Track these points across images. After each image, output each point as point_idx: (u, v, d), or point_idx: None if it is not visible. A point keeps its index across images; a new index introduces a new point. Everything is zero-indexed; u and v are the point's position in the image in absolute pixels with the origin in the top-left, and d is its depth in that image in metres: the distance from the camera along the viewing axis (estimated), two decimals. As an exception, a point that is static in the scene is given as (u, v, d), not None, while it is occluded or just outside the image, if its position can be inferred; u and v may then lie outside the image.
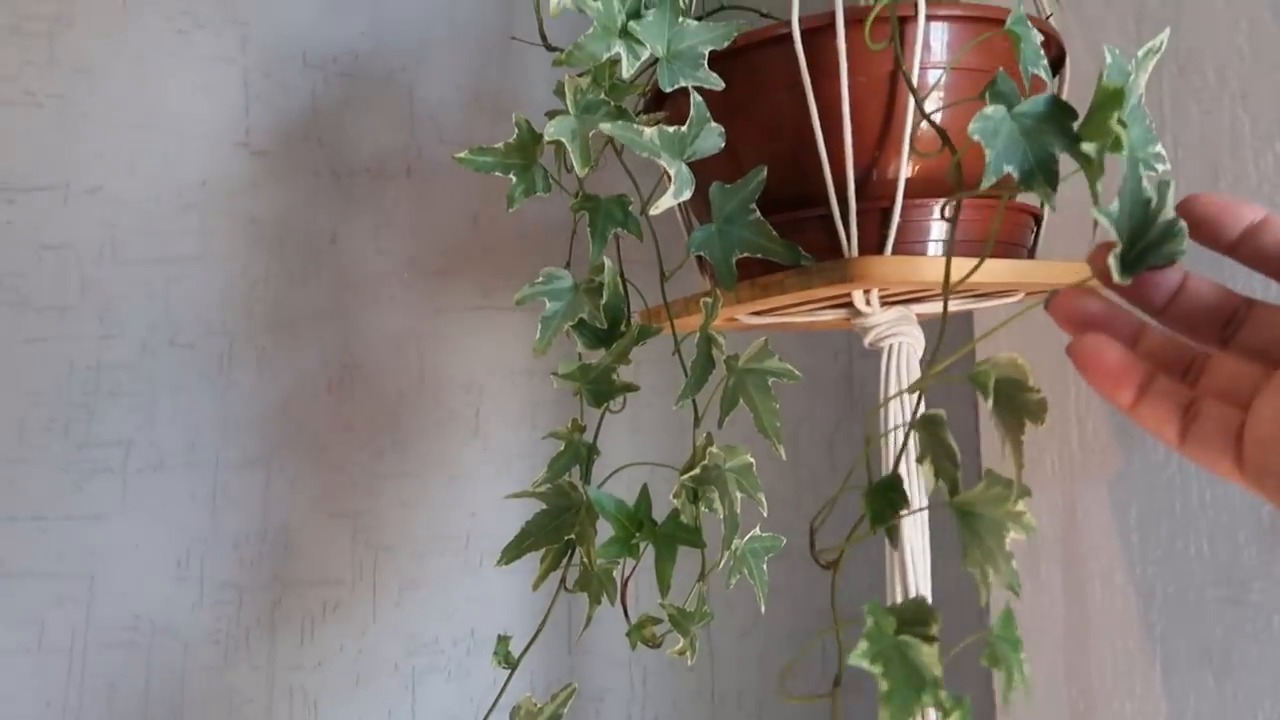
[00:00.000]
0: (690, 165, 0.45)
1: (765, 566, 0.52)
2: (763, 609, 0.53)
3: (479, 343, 0.83)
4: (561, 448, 0.54)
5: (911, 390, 0.42)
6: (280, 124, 0.80)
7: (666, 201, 0.44)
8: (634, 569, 0.52)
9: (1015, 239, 0.50)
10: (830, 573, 0.43)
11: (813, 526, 0.44)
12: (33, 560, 0.72)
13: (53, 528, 0.73)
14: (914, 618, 0.36)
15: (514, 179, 0.51)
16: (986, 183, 0.38)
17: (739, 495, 0.49)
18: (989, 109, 0.38)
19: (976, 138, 0.38)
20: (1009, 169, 0.38)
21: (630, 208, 0.49)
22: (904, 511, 0.38)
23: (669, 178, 0.44)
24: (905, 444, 0.46)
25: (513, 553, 0.53)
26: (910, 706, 0.33)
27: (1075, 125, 0.39)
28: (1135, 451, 0.74)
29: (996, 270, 0.45)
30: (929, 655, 0.34)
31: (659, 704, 0.85)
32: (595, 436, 0.54)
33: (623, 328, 0.49)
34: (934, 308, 0.52)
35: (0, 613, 0.71)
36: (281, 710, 0.76)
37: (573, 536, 0.52)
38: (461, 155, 0.50)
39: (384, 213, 0.82)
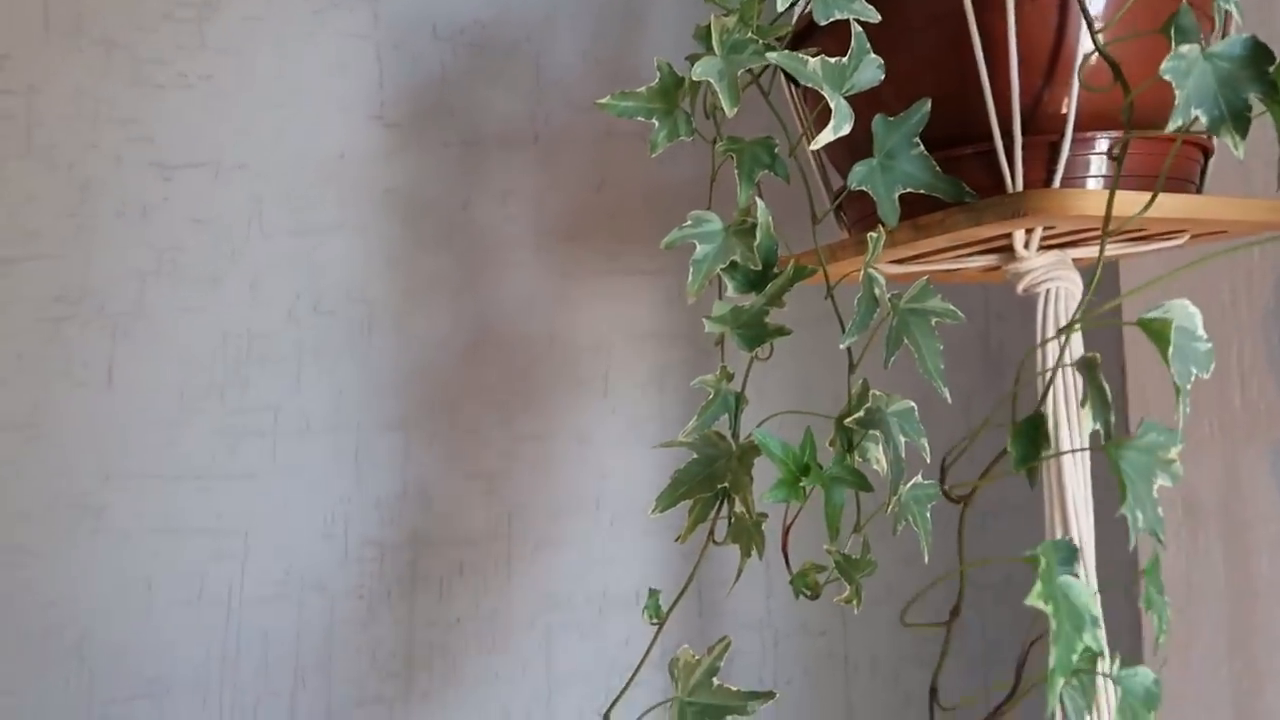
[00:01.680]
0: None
1: (929, 514, 0.51)
2: (926, 558, 0.52)
3: (606, 306, 0.83)
4: (710, 396, 0.53)
5: (1071, 330, 0.40)
6: (412, 96, 0.82)
7: (827, 136, 0.43)
8: (796, 515, 0.51)
9: (1185, 174, 0.47)
10: (961, 507, 0.41)
11: (944, 463, 0.42)
12: (194, 518, 0.77)
13: (212, 487, 0.77)
14: (1067, 560, 0.34)
15: (656, 124, 0.51)
16: (1172, 125, 0.36)
17: (902, 439, 0.48)
18: (1184, 48, 0.36)
19: (1167, 77, 0.36)
20: (1198, 113, 0.36)
21: (776, 150, 0.49)
22: (1047, 453, 0.37)
23: (826, 112, 0.43)
24: (1049, 385, 0.44)
25: (666, 501, 0.52)
26: (1074, 645, 0.32)
27: (1272, 69, 0.36)
28: (1308, 410, 0.69)
29: (1170, 205, 0.42)
30: (1089, 596, 0.33)
31: (790, 668, 0.84)
32: (744, 384, 0.53)
33: (775, 270, 0.48)
34: (1090, 252, 0.50)
35: (164, 566, 0.76)
36: (421, 663, 0.79)
37: (725, 485, 0.51)
38: (605, 100, 0.50)
39: (512, 180, 0.83)
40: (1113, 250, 0.51)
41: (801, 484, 0.47)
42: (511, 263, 0.82)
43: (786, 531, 0.52)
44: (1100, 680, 0.34)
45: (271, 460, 0.78)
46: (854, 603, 0.52)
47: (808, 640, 0.84)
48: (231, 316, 0.78)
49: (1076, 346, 0.41)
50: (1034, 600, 0.33)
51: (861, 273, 0.46)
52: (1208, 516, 0.78)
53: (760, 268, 0.49)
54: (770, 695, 0.51)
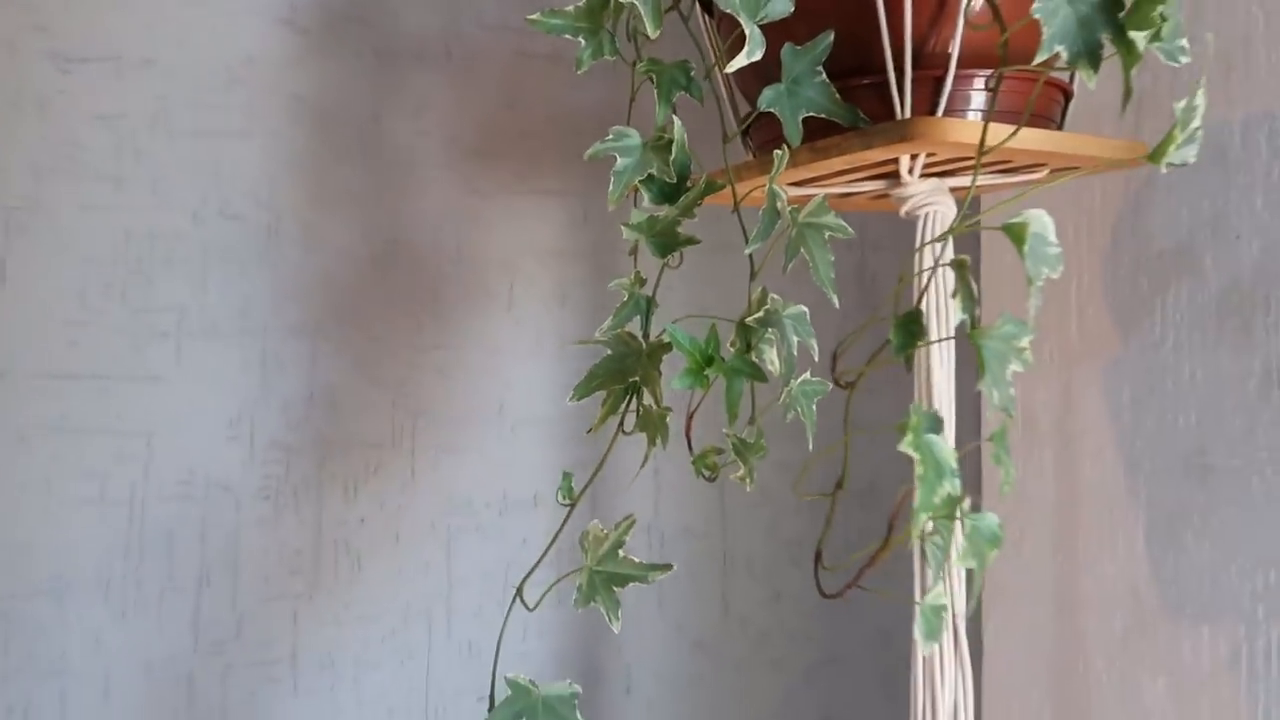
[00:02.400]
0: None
1: (814, 407, 0.57)
2: (810, 445, 0.58)
3: (514, 225, 0.86)
4: (625, 299, 0.58)
5: (948, 236, 0.47)
6: (323, 2, 0.82)
7: (741, 60, 0.48)
8: (699, 404, 0.57)
9: (1048, 113, 0.55)
10: (848, 393, 0.48)
11: (835, 352, 0.49)
12: (95, 418, 0.77)
13: (113, 388, 0.77)
14: (933, 426, 0.42)
15: (583, 41, 0.54)
16: (1039, 58, 0.43)
17: (795, 339, 0.54)
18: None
19: (1038, 16, 0.42)
20: (1059, 49, 0.43)
21: (692, 73, 0.53)
22: (922, 341, 0.44)
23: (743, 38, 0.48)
24: (927, 285, 0.51)
25: (582, 390, 0.57)
26: (936, 488, 0.39)
27: (1121, 15, 0.43)
28: (1131, 336, 0.79)
29: (1033, 138, 0.50)
30: (949, 452, 0.40)
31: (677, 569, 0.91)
32: (655, 289, 0.58)
33: (688, 184, 0.53)
34: (964, 181, 0.57)
35: (65, 466, 0.76)
36: (328, 562, 0.82)
37: (636, 379, 0.57)
38: (534, 17, 0.54)
39: (424, 95, 0.84)
40: (983, 180, 0.58)
41: (706, 373, 0.52)
42: (421, 177, 0.84)
43: (690, 418, 0.58)
44: (956, 523, 0.41)
45: (176, 362, 0.78)
46: (747, 481, 0.58)
47: (691, 542, 0.91)
48: (134, 217, 0.78)
49: (949, 255, 0.47)
50: (905, 447, 0.40)
51: (766, 189, 0.51)
52: (1043, 432, 0.88)
53: (675, 181, 0.54)
54: (668, 567, 0.58)
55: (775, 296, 0.54)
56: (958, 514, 0.41)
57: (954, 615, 0.58)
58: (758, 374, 0.54)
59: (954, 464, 0.41)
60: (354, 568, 0.82)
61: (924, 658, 0.59)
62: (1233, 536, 0.72)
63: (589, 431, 0.60)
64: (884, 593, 0.52)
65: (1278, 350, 0.69)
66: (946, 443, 0.41)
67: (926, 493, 0.39)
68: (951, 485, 0.40)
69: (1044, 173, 0.59)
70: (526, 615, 0.87)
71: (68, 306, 0.76)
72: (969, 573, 0.51)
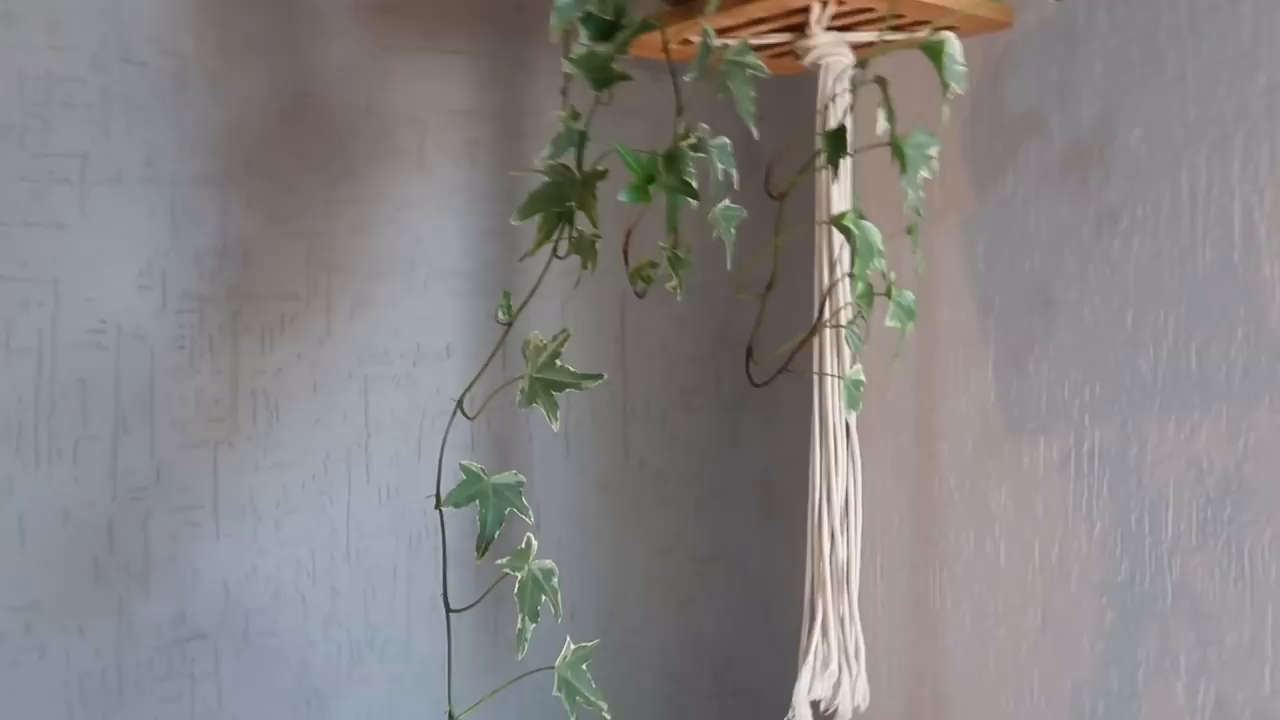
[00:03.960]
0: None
1: (734, 231, 0.64)
2: (729, 263, 0.65)
3: (423, 82, 0.88)
4: (561, 130, 0.62)
5: (872, 56, 0.54)
6: None
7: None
8: (637, 220, 0.62)
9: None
10: (779, 203, 0.55)
11: (769, 165, 0.55)
12: (-6, 264, 0.75)
13: (14, 234, 0.76)
14: (860, 215, 0.49)
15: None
16: None
17: (720, 167, 0.60)
18: None
19: None
20: None
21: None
22: (848, 151, 0.51)
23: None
24: (850, 106, 0.58)
25: (525, 211, 0.61)
26: (869, 261, 0.47)
27: None
28: (987, 193, 0.90)
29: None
30: (877, 234, 0.48)
31: (580, 413, 0.97)
32: (588, 124, 0.63)
33: (623, 22, 0.58)
34: (862, 37, 0.64)
35: (-36, 313, 0.74)
36: (245, 410, 0.84)
37: (571, 204, 0.61)
38: None
39: (329, -54, 0.84)
40: (870, 36, 0.66)
41: (649, 188, 0.58)
42: (331, 30, 0.85)
43: (628, 235, 0.64)
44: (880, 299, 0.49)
45: (80, 210, 0.77)
46: (678, 290, 0.65)
47: (596, 392, 0.98)
48: (28, 58, 0.75)
49: (845, 101, 0.54)
50: (847, 223, 0.48)
51: (700, 28, 0.57)
52: (905, 284, 0.99)
53: (612, 18, 0.58)
54: (599, 376, 0.64)
55: (704, 125, 0.60)
56: (886, 287, 0.48)
57: (846, 421, 0.67)
58: (691, 191, 0.60)
59: (880, 245, 0.49)
60: (272, 416, 0.85)
61: (820, 457, 0.68)
62: (1066, 359, 0.84)
63: (528, 254, 0.65)
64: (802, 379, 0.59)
65: (1109, 200, 0.81)
66: (874, 228, 0.49)
67: (861, 264, 0.47)
68: (880, 262, 0.48)
69: (927, 30, 0.67)
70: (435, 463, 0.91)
71: (-39, 148, 0.74)
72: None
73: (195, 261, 0.81)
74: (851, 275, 0.50)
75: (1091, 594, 0.82)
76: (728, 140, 0.61)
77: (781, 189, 0.56)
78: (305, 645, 0.87)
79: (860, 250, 0.47)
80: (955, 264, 0.93)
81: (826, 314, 0.54)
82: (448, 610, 0.61)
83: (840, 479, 0.67)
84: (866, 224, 0.48)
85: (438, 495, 0.62)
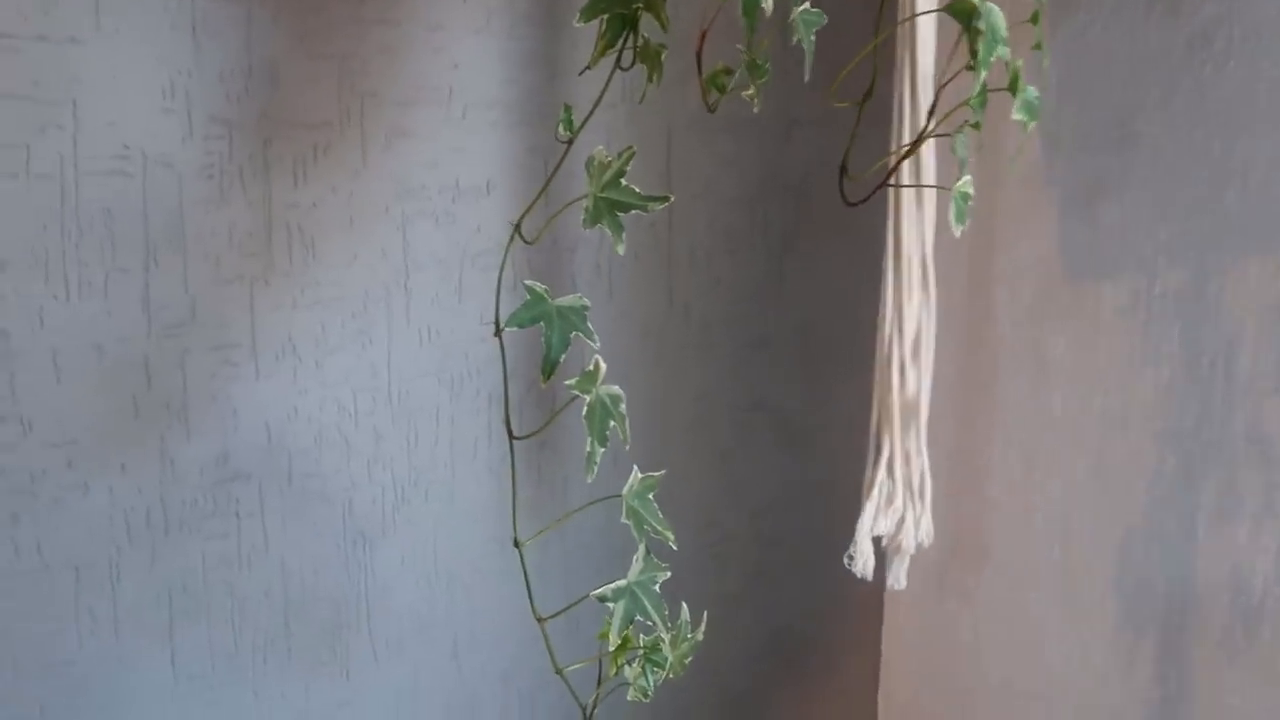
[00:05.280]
0: None
1: (813, 38, 0.59)
2: (807, 76, 0.60)
3: (457, -114, 0.81)
4: None
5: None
6: None
7: None
8: (713, 19, 0.57)
9: None
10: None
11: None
12: (6, 82, 0.70)
13: (24, 49, 0.70)
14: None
15: None
16: None
17: None
18: None
19: None
20: None
21: None
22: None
23: None
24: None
25: (589, 14, 0.56)
26: (992, 49, 0.42)
27: None
28: (1063, 19, 0.83)
29: None
30: (1002, 20, 0.44)
31: (626, 259, 0.94)
32: None
33: None
34: None
35: (-21, 135, 0.70)
36: (280, 244, 0.80)
37: (638, 4, 0.56)
38: None
39: None
40: None
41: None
42: None
43: (703, 36, 0.58)
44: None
45: (95, 23, 0.72)
46: (755, 100, 0.60)
47: (638, 234, 0.94)
48: None
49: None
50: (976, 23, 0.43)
51: None
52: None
53: None
54: (666, 198, 0.60)
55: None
56: (1011, 78, 0.44)
57: (926, 251, 0.64)
58: None
59: (1005, 31, 0.44)
60: (308, 252, 0.81)
61: (892, 285, 0.64)
62: (1141, 198, 0.80)
63: (587, 68, 0.60)
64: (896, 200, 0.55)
65: (1202, 20, 0.75)
66: (999, 10, 0.44)
67: (986, 51, 0.43)
68: (1004, 49, 0.43)
69: None
70: (479, 305, 0.88)
71: (-38, -52, 0.67)
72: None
73: (221, 82, 0.76)
74: (971, 68, 0.46)
75: (1152, 442, 0.81)
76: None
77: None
78: (349, 487, 0.85)
79: (985, 40, 0.43)
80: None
81: (932, 121, 0.50)
82: (511, 437, 0.58)
83: (913, 309, 0.64)
84: (992, 10, 0.43)
85: (496, 320, 0.59)
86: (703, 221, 0.97)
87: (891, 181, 0.52)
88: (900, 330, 0.63)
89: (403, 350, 0.86)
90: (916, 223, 0.59)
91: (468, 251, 0.87)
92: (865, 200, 0.53)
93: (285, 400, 0.82)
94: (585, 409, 0.56)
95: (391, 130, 0.82)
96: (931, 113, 0.48)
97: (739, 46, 0.58)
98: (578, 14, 0.56)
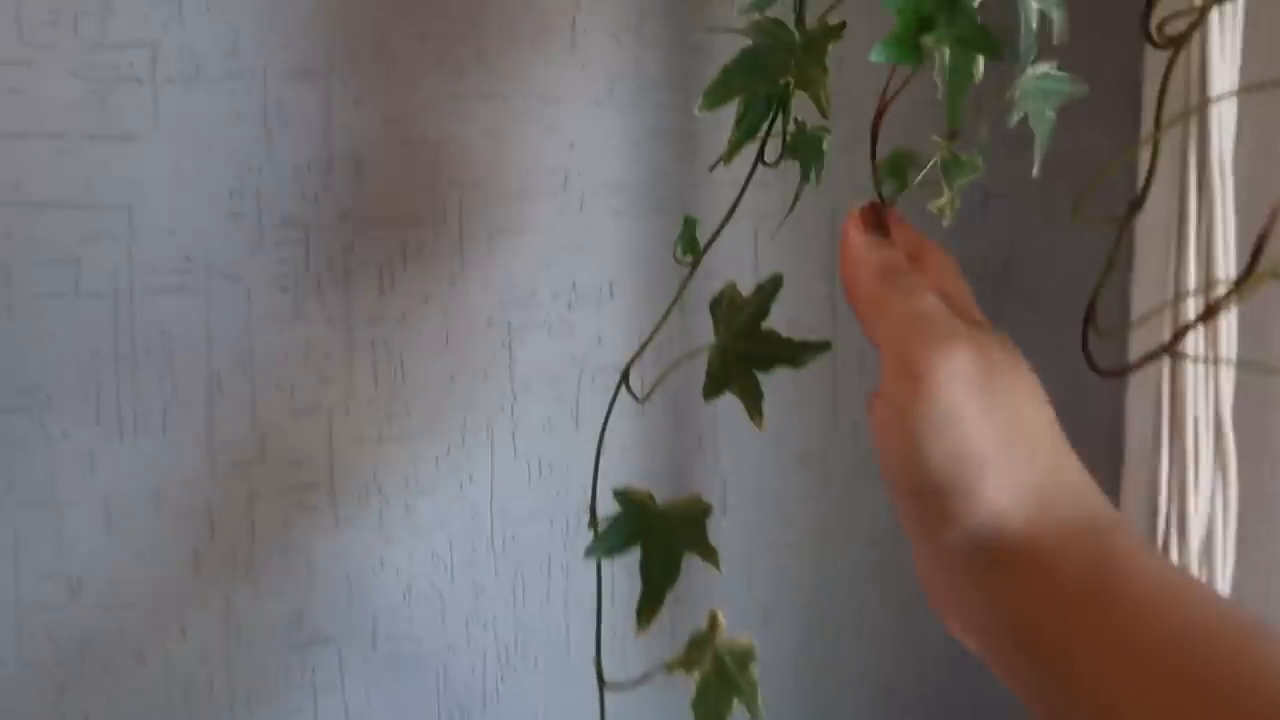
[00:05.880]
0: None
1: (1051, 116, 0.41)
2: (1036, 169, 0.42)
3: (574, -68, 0.67)
4: None
5: None
6: None
7: None
8: (901, 87, 0.40)
9: None
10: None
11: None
12: (55, 187, 0.60)
13: (75, 149, 0.60)
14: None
15: None
16: None
17: (1036, 7, 0.36)
18: None
19: None
20: None
21: None
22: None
23: None
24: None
25: (715, 97, 0.40)
26: None
27: None
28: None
29: None
30: None
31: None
32: None
33: None
34: None
35: (24, 250, 0.60)
36: (363, 366, 0.67)
37: (788, 81, 0.40)
38: None
39: None
40: None
41: (924, 39, 0.35)
42: None
43: (884, 106, 0.41)
44: None
45: (153, 114, 0.61)
46: (948, 212, 0.42)
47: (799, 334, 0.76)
48: (78, -83, 0.58)
49: None
50: None
51: None
52: None
53: None
54: (826, 345, 0.43)
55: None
56: None
57: (1223, 412, 0.43)
58: (993, 48, 0.37)
59: None
60: (395, 374, 0.68)
61: (1168, 469, 0.44)
62: None
63: (721, 162, 0.43)
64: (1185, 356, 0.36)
65: None
66: None
67: None
68: None
69: None
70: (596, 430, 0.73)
71: (3, 42, 0.58)
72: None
73: (295, 179, 0.64)
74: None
75: None
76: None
77: (1178, 30, 0.32)
78: (444, 651, 0.71)
79: None
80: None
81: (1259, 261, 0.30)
82: (600, 683, 0.42)
83: (1201, 495, 0.44)
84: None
85: (593, 510, 0.43)
86: (877, 321, 0.78)
87: (1177, 348, 0.32)
88: (1182, 527, 0.43)
89: (508, 488, 0.71)
90: (1209, 386, 0.40)
91: (586, 368, 0.71)
92: (1124, 373, 0.34)
93: (369, 550, 0.68)
94: (693, 692, 0.38)
95: (495, 226, 0.68)
96: (1259, 251, 0.30)
97: (936, 137, 0.40)
98: (701, 99, 0.39)
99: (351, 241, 0.66)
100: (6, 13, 0.58)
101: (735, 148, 0.43)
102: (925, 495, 0.35)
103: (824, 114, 0.41)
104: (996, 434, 0.34)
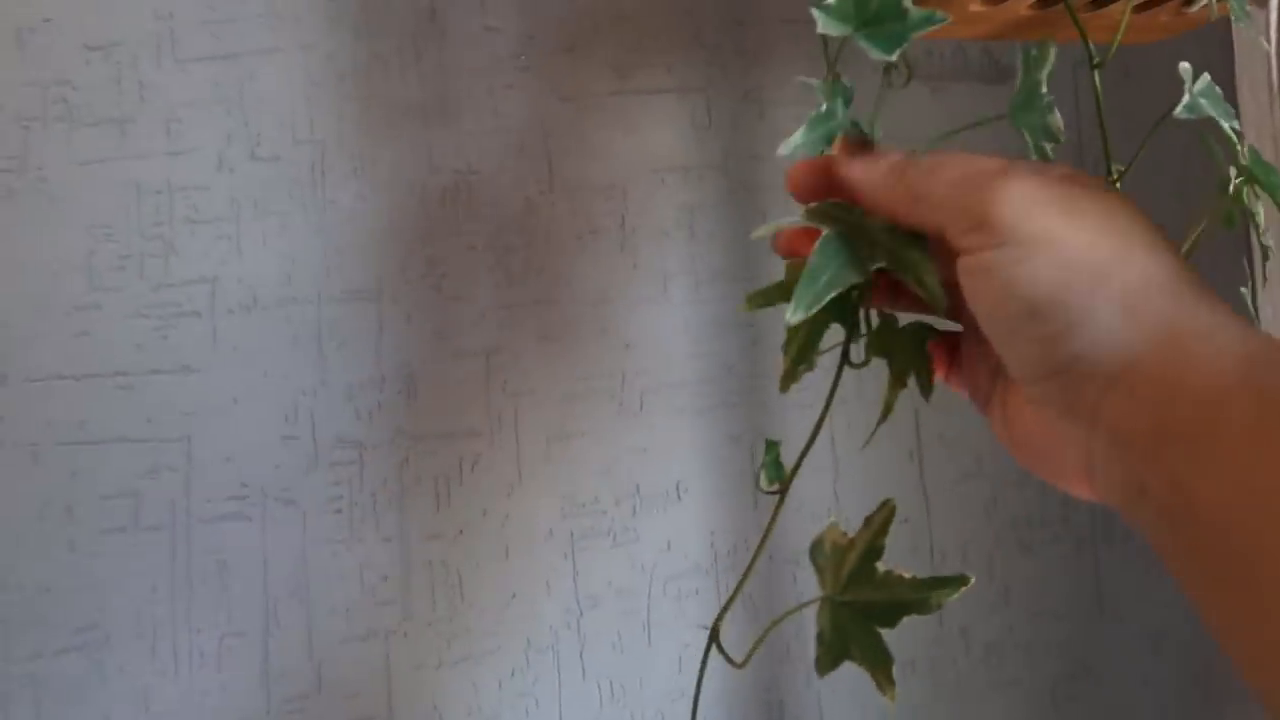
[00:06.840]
0: None
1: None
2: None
3: (618, 136, 0.67)
4: (820, 112, 0.36)
5: None
6: (354, -123, 0.64)
7: None
8: None
9: None
10: None
11: None
12: (119, 424, 0.61)
13: (138, 385, 0.61)
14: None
15: None
16: None
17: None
18: None
19: None
20: None
21: None
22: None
23: None
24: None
25: (808, 299, 0.35)
26: None
27: None
28: None
29: None
30: None
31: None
32: (873, 123, 0.37)
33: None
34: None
35: (86, 487, 0.60)
36: (420, 587, 0.64)
37: (882, 264, 0.35)
38: None
39: (490, -21, 0.66)
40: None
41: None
42: (495, 85, 0.65)
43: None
44: None
45: (211, 345, 0.62)
46: None
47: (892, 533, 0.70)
48: (146, 168, 0.62)
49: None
50: None
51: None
52: None
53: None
54: (965, 580, 0.36)
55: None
56: None
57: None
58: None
59: None
60: (454, 594, 0.64)
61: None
62: None
63: (787, 384, 0.39)
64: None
65: None
66: None
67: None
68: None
69: None
70: (674, 646, 0.67)
71: (73, 287, 0.60)
72: None
73: (349, 399, 0.63)
74: None
75: None
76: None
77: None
78: None
79: None
80: None
81: None
82: None
83: None
84: None
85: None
86: (978, 509, 0.71)
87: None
88: None
89: (578, 713, 0.65)
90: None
91: (656, 576, 0.67)
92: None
93: (430, 788, 0.63)
94: None
95: (553, 433, 0.66)
96: None
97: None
98: (792, 306, 0.35)
99: (406, 457, 0.64)
100: (79, 261, 0.61)
101: (793, 364, 0.38)
102: (1034, 317, 0.29)
103: (938, 308, 0.36)
104: (1094, 249, 0.29)
